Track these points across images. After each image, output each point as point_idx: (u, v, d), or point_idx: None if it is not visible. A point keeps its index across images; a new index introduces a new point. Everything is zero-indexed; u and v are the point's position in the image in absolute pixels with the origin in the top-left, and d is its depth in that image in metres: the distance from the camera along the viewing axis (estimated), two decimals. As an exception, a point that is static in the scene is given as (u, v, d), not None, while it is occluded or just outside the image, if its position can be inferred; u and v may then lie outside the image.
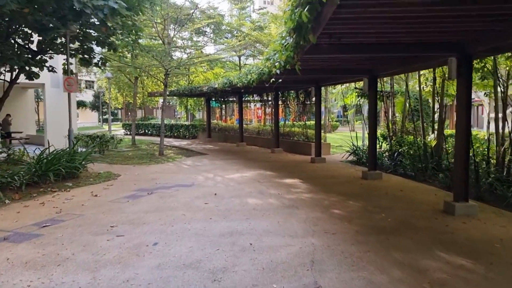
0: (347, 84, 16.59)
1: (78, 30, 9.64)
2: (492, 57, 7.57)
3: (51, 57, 10.83)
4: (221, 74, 26.22)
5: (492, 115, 8.80)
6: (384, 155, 11.19)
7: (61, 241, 4.82)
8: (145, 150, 15.82)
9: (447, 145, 9.88)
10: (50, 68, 10.89)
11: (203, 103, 26.76)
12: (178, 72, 19.62)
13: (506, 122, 7.87)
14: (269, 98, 18.65)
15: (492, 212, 6.12)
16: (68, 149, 9.87)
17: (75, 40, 10.31)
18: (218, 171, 10.52)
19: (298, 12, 3.84)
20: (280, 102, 16.47)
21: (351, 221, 5.64)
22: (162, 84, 16.36)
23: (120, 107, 42.15)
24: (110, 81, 26.74)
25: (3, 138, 15.28)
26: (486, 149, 8.39)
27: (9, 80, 10.21)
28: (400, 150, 10.64)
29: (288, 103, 17.14)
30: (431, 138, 10.50)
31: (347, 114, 31.39)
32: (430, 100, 13.04)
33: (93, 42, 10.33)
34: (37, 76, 10.50)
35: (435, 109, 10.89)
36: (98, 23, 8.55)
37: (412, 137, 10.97)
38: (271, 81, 6.94)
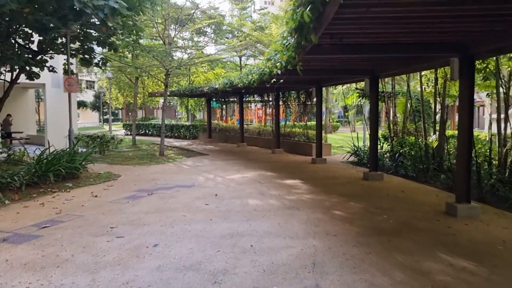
0: (348, 85, 16.58)
1: (78, 30, 9.62)
2: (494, 58, 7.53)
3: (51, 57, 10.81)
4: (222, 74, 26.21)
5: (494, 116, 8.76)
6: (385, 156, 11.15)
7: (61, 242, 4.79)
8: (145, 151, 15.80)
9: (448, 146, 9.83)
10: (51, 68, 10.87)
11: (203, 103, 26.75)
12: (178, 72, 19.60)
13: (508, 123, 7.83)
14: (270, 99, 18.62)
15: (494, 214, 6.09)
16: (68, 149, 9.85)
17: (75, 40, 10.29)
18: (219, 171, 10.49)
19: (300, 12, 3.81)
20: (281, 103, 16.44)
21: (352, 222, 5.61)
22: (162, 84, 16.34)
23: (120, 107, 42.17)
24: (110, 81, 26.74)
25: (3, 138, 15.26)
26: (488, 150, 8.35)
27: (9, 80, 10.19)
28: (401, 151, 10.61)
29: (289, 103, 17.11)
30: (433, 139, 10.47)
31: (348, 115, 31.34)
32: (431, 101, 13.01)
33: (93, 42, 10.31)
34: (37, 76, 10.49)
35: (437, 110, 10.85)
36: (98, 23, 8.52)
37: (414, 138, 10.93)
38: (272, 81, 6.92)
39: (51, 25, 8.16)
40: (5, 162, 10.21)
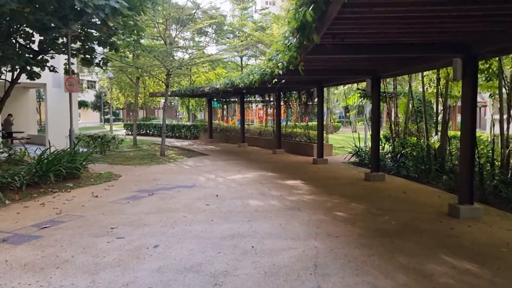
0: (350, 85, 16.54)
1: (79, 30, 9.59)
2: (497, 58, 7.49)
3: (52, 57, 10.78)
4: (223, 74, 26.19)
5: (497, 116, 8.71)
6: (387, 156, 11.11)
7: (61, 243, 4.76)
8: (146, 151, 15.78)
9: (450, 147, 9.79)
10: (52, 68, 10.85)
11: (204, 103, 26.76)
12: (179, 72, 19.59)
13: (511, 124, 7.78)
14: (271, 99, 18.60)
15: (497, 215, 6.04)
16: (69, 149, 9.82)
17: (76, 40, 10.27)
18: (220, 172, 10.46)
19: (302, 11, 3.78)
20: (282, 103, 16.41)
21: (354, 223, 5.57)
22: (163, 84, 16.33)
23: (121, 107, 42.18)
24: (111, 81, 26.73)
25: (4, 138, 15.25)
26: (490, 151, 8.30)
27: (10, 80, 10.18)
28: (403, 151, 10.56)
29: (290, 103, 17.09)
30: (435, 139, 10.42)
31: (349, 115, 31.29)
32: (433, 101, 12.95)
33: (94, 42, 10.29)
34: (38, 76, 10.47)
35: (439, 111, 10.80)
36: (99, 23, 8.49)
37: (415, 138, 10.88)
38: (274, 81, 6.89)
39: (52, 24, 8.14)
40: (5, 162, 10.19)
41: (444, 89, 9.83)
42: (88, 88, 46.89)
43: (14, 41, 9.58)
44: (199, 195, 7.49)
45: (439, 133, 10.18)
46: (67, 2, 7.63)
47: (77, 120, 16.72)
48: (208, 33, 27.97)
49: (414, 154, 9.97)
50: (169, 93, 16.60)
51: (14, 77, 10.19)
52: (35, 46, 10.08)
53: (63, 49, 10.34)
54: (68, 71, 10.62)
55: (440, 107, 10.46)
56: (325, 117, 20.73)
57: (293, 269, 3.94)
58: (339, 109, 37.06)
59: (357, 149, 12.21)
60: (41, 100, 29.87)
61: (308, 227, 5.39)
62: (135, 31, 10.20)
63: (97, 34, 9.81)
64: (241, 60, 30.22)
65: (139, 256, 4.31)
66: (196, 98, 27.00)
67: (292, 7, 4.23)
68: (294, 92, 15.93)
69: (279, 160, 13.09)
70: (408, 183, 8.71)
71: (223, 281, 3.68)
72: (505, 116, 8.08)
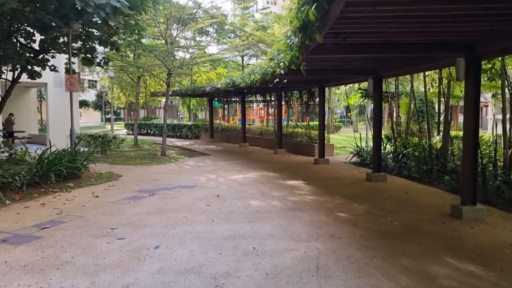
0: (351, 85, 16.49)
1: (80, 29, 9.57)
2: (500, 58, 7.44)
3: (53, 56, 10.76)
4: (224, 74, 26.15)
5: (499, 116, 8.66)
6: (389, 156, 11.06)
7: (61, 243, 4.74)
8: (147, 150, 15.76)
9: (452, 147, 9.74)
10: (53, 68, 10.83)
11: (205, 103, 26.70)
12: (180, 72, 19.55)
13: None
14: (272, 99, 18.55)
15: (500, 216, 6.00)
16: (69, 149, 9.80)
17: (77, 39, 10.25)
18: (221, 172, 10.43)
19: (304, 10, 3.73)
20: (283, 103, 16.36)
21: (356, 224, 5.53)
22: (164, 84, 16.28)
23: (122, 107, 42.19)
24: (112, 80, 26.73)
25: (5, 138, 15.24)
26: (493, 151, 8.25)
27: (11, 79, 10.16)
28: (404, 151, 10.51)
29: (291, 103, 17.05)
30: (437, 139, 10.37)
31: (351, 115, 31.24)
32: (435, 101, 12.91)
33: (95, 42, 10.26)
34: (39, 75, 10.45)
35: (441, 111, 10.76)
36: (100, 22, 8.47)
37: (417, 138, 10.84)
38: (275, 81, 6.84)
39: (53, 24, 8.12)
40: (6, 162, 10.17)
41: (446, 89, 9.79)
42: (89, 87, 46.90)
43: (15, 40, 9.57)
44: (200, 195, 7.46)
45: (441, 133, 10.14)
46: (68, 1, 7.60)
47: (78, 120, 16.71)
48: (209, 33, 27.93)
49: (416, 154, 9.92)
50: (170, 93, 16.56)
51: (15, 76, 10.17)
52: (36, 46, 10.06)
53: (64, 49, 10.32)
54: (69, 71, 10.59)
55: (442, 107, 10.42)
56: (326, 117, 20.65)
57: (295, 271, 3.90)
58: (340, 109, 37.01)
59: (358, 149, 12.16)
60: (42, 99, 29.89)
61: (309, 228, 5.35)
62: (136, 31, 10.17)
63: (98, 33, 9.77)
64: (242, 59, 30.17)
65: (140, 257, 4.27)
66: (197, 98, 26.95)
67: (294, 6, 4.18)
68: (295, 92, 15.89)
69: (280, 160, 13.06)
70: (410, 184, 8.66)
71: (224, 283, 3.64)
72: (507, 116, 8.04)
